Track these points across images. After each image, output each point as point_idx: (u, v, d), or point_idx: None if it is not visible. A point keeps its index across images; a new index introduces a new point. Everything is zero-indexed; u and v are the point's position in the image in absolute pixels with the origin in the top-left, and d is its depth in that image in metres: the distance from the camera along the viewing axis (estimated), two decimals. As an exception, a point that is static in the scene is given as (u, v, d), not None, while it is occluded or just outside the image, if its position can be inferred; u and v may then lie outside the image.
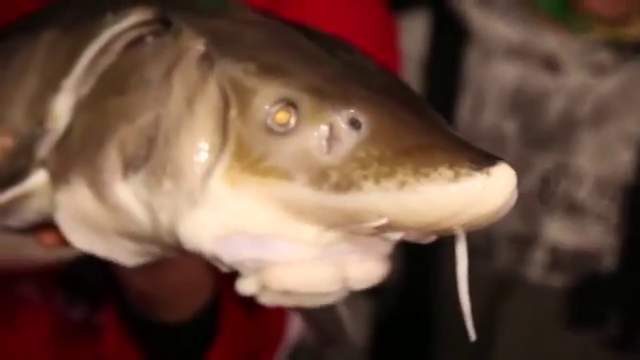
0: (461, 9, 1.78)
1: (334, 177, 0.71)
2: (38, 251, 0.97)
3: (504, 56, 1.76)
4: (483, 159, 0.68)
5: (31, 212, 0.90)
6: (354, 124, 0.71)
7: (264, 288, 0.76)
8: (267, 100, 0.74)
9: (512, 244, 1.74)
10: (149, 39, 0.84)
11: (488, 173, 0.67)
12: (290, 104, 0.73)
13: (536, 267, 1.75)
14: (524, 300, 1.75)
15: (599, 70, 1.72)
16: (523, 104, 1.76)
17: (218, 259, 0.76)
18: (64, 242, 0.90)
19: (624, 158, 1.74)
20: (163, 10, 0.85)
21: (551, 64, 1.73)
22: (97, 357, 1.28)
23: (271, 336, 1.33)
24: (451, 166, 0.67)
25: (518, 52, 1.75)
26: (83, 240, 0.86)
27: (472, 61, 1.80)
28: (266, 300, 0.77)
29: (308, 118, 0.72)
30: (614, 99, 1.73)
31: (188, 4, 0.87)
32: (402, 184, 0.68)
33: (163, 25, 0.84)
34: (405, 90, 0.77)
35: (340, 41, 0.83)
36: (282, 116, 0.73)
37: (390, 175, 0.69)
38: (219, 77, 0.77)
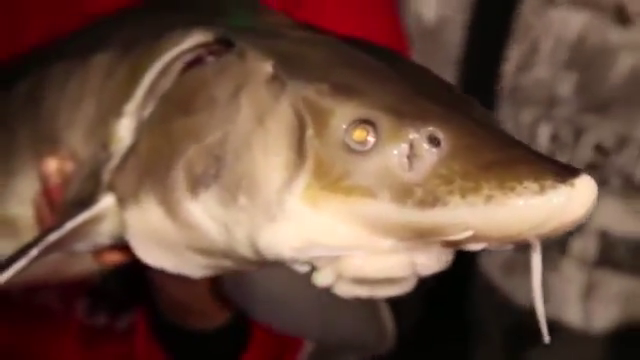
0: None
1: (419, 193, 0.75)
2: (88, 266, 1.07)
3: (567, 2, 1.60)
4: (565, 171, 0.73)
5: (101, 235, 0.97)
6: (433, 141, 0.75)
7: (340, 277, 0.80)
8: (345, 120, 0.78)
9: None
10: (209, 59, 0.90)
11: (572, 185, 0.72)
12: (367, 123, 0.77)
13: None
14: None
15: None
16: (584, 60, 1.61)
17: (296, 262, 0.82)
18: (125, 259, 0.99)
19: None
20: (224, 31, 0.90)
21: (622, 15, 1.57)
22: (124, 359, 1.42)
23: (295, 338, 1.45)
24: (536, 179, 0.72)
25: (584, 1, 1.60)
26: (153, 257, 0.92)
27: (529, 6, 1.63)
28: (341, 290, 0.81)
29: (387, 137, 0.77)
30: None
31: (228, 19, 0.96)
32: (489, 198, 0.73)
33: (221, 45, 0.90)
34: (471, 103, 0.82)
35: (393, 53, 0.90)
36: (360, 135, 0.77)
37: (476, 190, 0.73)
38: (292, 98, 0.81)
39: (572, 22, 1.60)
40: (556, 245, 1.61)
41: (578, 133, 1.60)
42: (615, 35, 1.58)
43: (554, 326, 1.60)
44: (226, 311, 1.24)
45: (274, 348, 1.40)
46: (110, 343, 1.42)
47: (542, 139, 1.61)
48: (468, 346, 1.74)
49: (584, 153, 1.60)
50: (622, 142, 1.59)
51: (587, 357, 1.65)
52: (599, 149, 1.59)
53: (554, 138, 1.61)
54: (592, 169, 1.58)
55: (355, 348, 1.46)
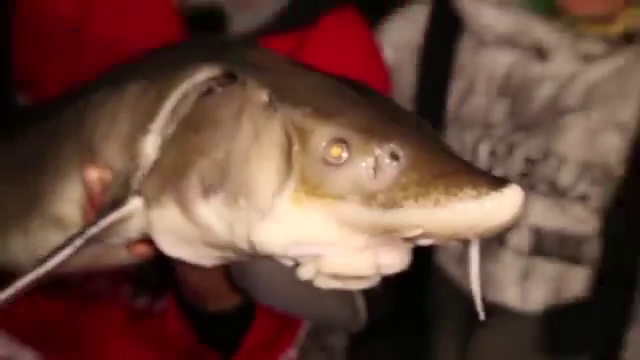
0: (457, 4, 1.77)
1: (381, 198, 0.83)
2: (124, 257, 1.15)
3: (495, 45, 1.73)
4: (498, 182, 0.80)
5: (131, 231, 1.05)
6: (394, 156, 0.84)
7: (319, 273, 0.89)
8: (323, 138, 0.87)
9: None
10: (218, 89, 0.98)
11: (502, 192, 0.80)
12: (342, 141, 0.86)
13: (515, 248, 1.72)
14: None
15: (588, 58, 1.68)
16: (512, 90, 1.73)
17: (285, 257, 0.90)
18: (152, 251, 1.07)
19: (611, 144, 1.67)
20: (230, 66, 0.99)
21: (540, 52, 1.70)
22: (161, 336, 1.53)
23: (293, 318, 1.58)
24: (474, 187, 0.80)
25: (509, 41, 1.72)
26: (173, 248, 1.01)
27: (465, 50, 1.78)
28: (320, 283, 0.90)
29: (357, 152, 0.85)
30: (603, 86, 1.68)
31: (240, 58, 1.03)
32: (436, 202, 0.81)
33: (228, 78, 0.98)
34: (425, 125, 0.90)
35: (366, 86, 0.96)
36: (336, 151, 0.86)
37: (426, 195, 0.81)
38: (282, 120, 0.89)
39: (500, 60, 1.73)
40: (496, 238, 1.68)
41: (510, 149, 1.71)
42: (536, 69, 1.70)
43: (497, 308, 1.73)
44: (237, 295, 1.31)
45: (276, 325, 1.53)
46: (149, 322, 1.53)
47: (482, 155, 1.72)
48: (428, 332, 1.84)
49: (516, 165, 1.70)
50: (546, 155, 1.68)
51: (525, 333, 1.74)
52: (528, 161, 1.69)
53: (492, 154, 1.71)
54: (523, 177, 1.69)
55: (335, 325, 1.64)
